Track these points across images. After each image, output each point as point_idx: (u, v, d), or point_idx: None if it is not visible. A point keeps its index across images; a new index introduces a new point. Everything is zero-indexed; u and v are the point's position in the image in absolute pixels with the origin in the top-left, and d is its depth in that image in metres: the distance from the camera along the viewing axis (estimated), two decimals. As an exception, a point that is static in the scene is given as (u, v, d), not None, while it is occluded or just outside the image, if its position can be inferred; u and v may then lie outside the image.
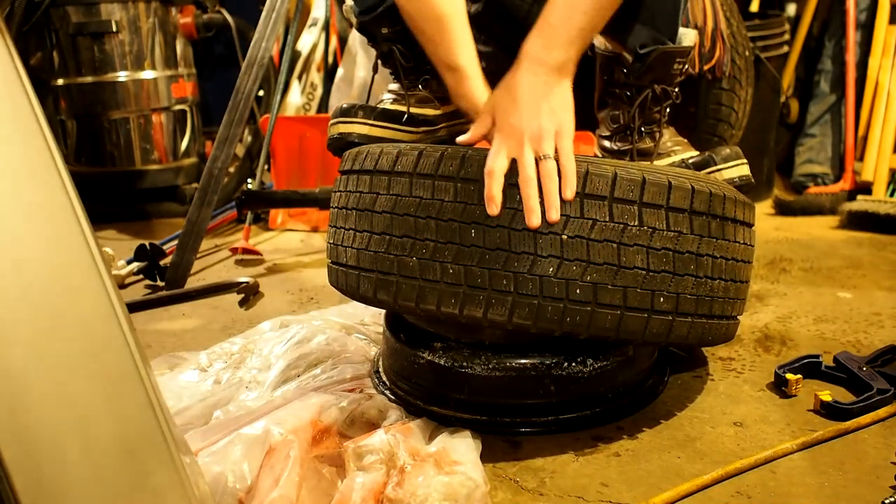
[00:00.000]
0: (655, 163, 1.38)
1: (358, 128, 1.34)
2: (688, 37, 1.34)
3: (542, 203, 1.05)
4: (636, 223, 1.06)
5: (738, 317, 1.25)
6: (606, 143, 1.45)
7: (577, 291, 1.06)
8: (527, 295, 1.06)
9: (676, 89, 1.38)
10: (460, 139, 1.16)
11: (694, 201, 1.10)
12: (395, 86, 1.41)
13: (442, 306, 1.09)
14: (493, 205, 1.05)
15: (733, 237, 1.16)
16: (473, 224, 1.06)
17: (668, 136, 1.42)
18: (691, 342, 1.17)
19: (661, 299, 1.09)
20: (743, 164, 1.38)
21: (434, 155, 1.11)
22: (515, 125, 1.08)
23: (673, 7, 1.32)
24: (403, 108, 1.36)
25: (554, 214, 1.04)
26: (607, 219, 1.05)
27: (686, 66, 1.36)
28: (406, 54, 1.35)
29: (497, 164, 1.05)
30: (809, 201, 2.61)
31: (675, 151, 1.40)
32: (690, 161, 1.38)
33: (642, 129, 1.38)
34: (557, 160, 1.06)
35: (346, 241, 1.20)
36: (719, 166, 1.36)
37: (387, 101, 1.39)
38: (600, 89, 1.43)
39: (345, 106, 1.36)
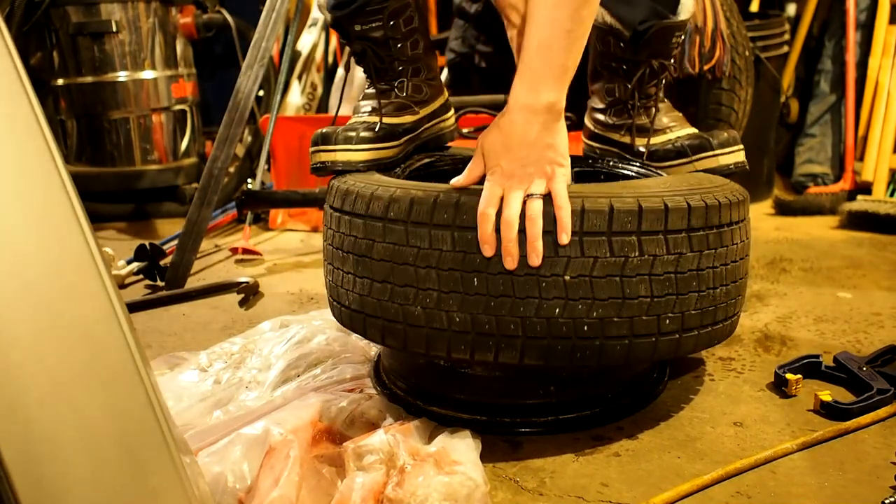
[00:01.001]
0: (652, 140, 1.37)
1: (341, 155, 1.31)
2: (686, 8, 1.31)
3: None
4: (636, 254, 1.06)
5: (740, 311, 1.25)
6: (601, 117, 1.42)
7: (585, 328, 1.06)
8: (536, 337, 1.06)
9: (672, 62, 1.37)
10: (455, 182, 1.13)
11: (691, 219, 1.09)
12: (370, 90, 1.38)
13: (452, 353, 1.10)
14: (488, 247, 1.04)
15: (731, 241, 1.16)
16: (475, 272, 1.06)
17: (665, 111, 1.40)
18: (699, 349, 1.18)
19: (667, 322, 1.09)
20: (739, 150, 1.36)
21: (427, 202, 1.08)
22: (506, 168, 1.06)
23: None
24: (377, 120, 1.33)
25: (534, 260, 1.03)
26: (608, 255, 1.05)
27: (683, 38, 1.35)
28: (380, 54, 1.33)
29: (489, 209, 1.04)
30: (809, 201, 2.61)
31: (671, 128, 1.38)
32: (687, 143, 1.36)
33: (638, 104, 1.37)
34: (551, 202, 1.05)
35: (347, 285, 1.19)
36: (716, 152, 1.35)
37: (364, 113, 1.36)
38: (594, 60, 1.41)
39: (324, 131, 1.32)
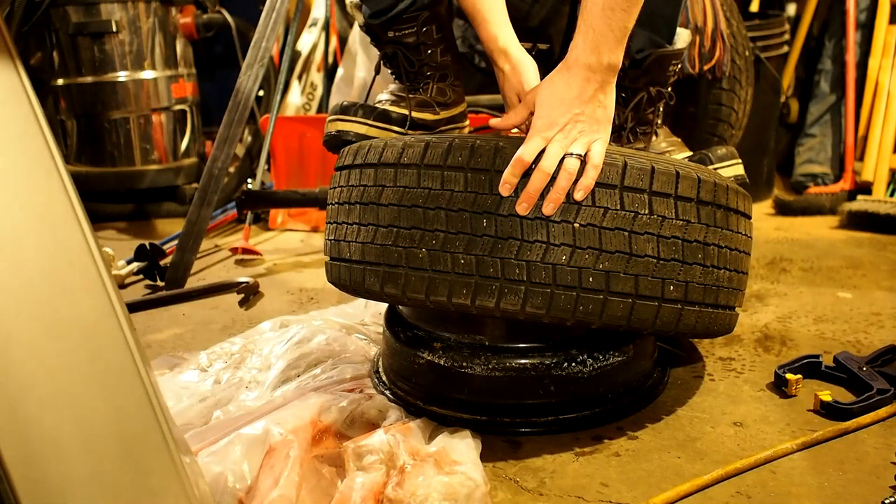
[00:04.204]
0: None
1: (356, 127, 1.34)
2: (682, 38, 1.35)
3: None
4: (646, 211, 1.07)
5: (738, 308, 1.26)
6: None
7: (590, 279, 1.06)
8: (540, 283, 1.06)
9: (670, 89, 1.38)
10: (493, 122, 1.16)
11: (700, 191, 1.11)
12: (395, 86, 1.40)
13: (453, 297, 1.09)
14: (508, 186, 1.05)
15: (736, 227, 1.18)
16: (485, 213, 1.06)
17: (663, 136, 1.42)
18: (699, 332, 1.17)
19: (671, 287, 1.10)
20: (738, 163, 1.39)
21: (442, 146, 1.10)
22: (556, 121, 1.08)
23: (672, 10, 1.31)
24: (404, 111, 1.35)
25: (549, 209, 1.05)
26: (618, 207, 1.06)
27: (680, 66, 1.36)
28: (410, 59, 1.35)
29: (527, 153, 1.06)
30: (809, 201, 2.61)
31: (669, 152, 1.41)
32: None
33: (637, 129, 1.38)
34: (585, 162, 1.07)
35: (350, 236, 1.19)
36: (715, 165, 1.37)
37: (386, 101, 1.38)
38: None
39: (345, 104, 1.36)
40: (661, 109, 1.40)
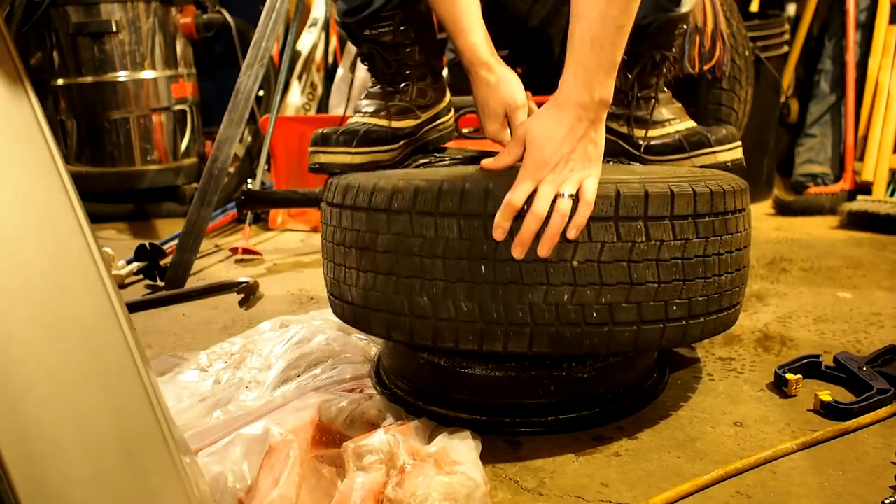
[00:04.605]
0: (650, 133, 1.37)
1: (339, 157, 1.31)
2: (688, 0, 1.32)
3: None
4: (643, 239, 1.06)
5: (742, 300, 1.26)
6: None
7: (594, 314, 1.06)
8: (544, 324, 1.06)
9: (674, 50, 1.37)
10: (485, 164, 1.13)
11: (697, 205, 1.09)
12: (374, 89, 1.38)
13: (461, 343, 1.09)
14: (501, 231, 1.04)
15: (735, 229, 1.17)
16: (482, 260, 1.05)
17: (665, 103, 1.40)
18: (703, 339, 1.18)
19: (675, 307, 1.10)
20: (737, 147, 1.37)
21: (432, 191, 1.08)
22: (548, 159, 1.05)
23: None
24: (384, 123, 1.33)
25: (545, 251, 1.03)
26: (615, 239, 1.05)
27: (686, 28, 1.34)
28: (387, 59, 1.33)
29: (516, 197, 1.04)
30: (809, 201, 2.61)
31: (670, 121, 1.38)
32: (685, 138, 1.36)
33: (639, 95, 1.36)
34: (577, 199, 1.05)
35: (350, 280, 1.19)
36: (714, 148, 1.35)
37: (365, 112, 1.35)
38: None
39: (324, 132, 1.32)
40: (665, 73, 1.38)
